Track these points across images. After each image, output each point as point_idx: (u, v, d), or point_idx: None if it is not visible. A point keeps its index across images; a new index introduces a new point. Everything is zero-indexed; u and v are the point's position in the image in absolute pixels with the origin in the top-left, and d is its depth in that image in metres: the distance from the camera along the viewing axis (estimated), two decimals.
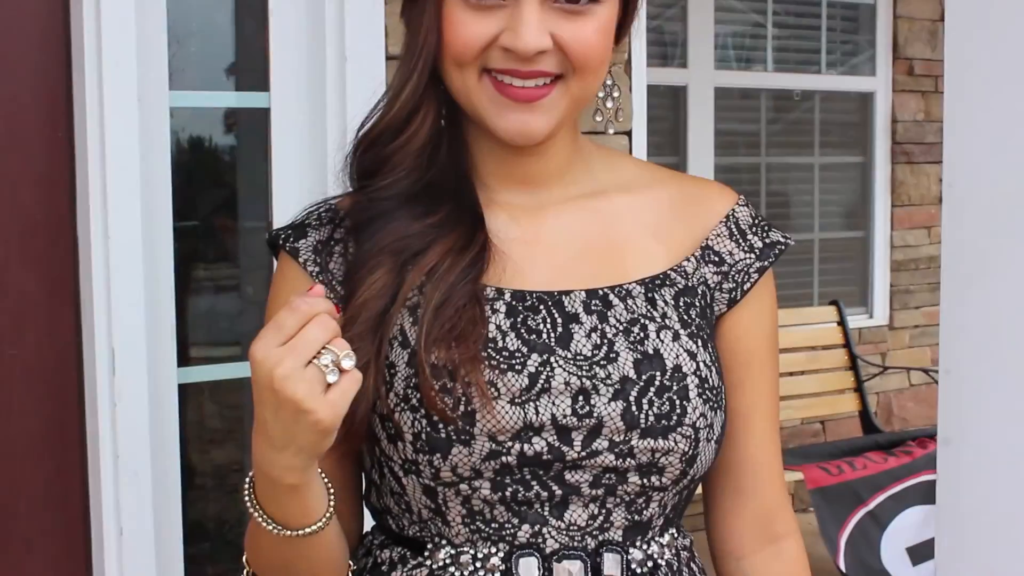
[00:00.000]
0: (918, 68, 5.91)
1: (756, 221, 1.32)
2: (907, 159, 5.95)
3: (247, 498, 1.13)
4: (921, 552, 4.61)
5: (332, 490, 1.15)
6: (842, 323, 5.35)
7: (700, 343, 1.22)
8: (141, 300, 2.22)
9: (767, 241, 1.31)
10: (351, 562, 1.24)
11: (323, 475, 1.13)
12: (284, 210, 2.39)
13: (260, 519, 1.12)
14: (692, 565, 1.28)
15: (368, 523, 1.32)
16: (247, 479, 1.13)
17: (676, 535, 1.26)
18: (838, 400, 5.36)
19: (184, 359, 2.38)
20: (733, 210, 1.31)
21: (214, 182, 2.81)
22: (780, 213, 5.78)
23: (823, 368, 5.31)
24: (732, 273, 1.28)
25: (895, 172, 5.95)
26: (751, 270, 1.29)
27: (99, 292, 2.18)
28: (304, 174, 2.45)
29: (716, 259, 1.28)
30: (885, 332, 5.93)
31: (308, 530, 1.12)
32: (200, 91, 2.58)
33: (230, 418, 2.78)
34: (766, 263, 1.30)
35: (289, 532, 1.12)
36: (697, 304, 1.25)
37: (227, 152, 2.80)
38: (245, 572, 1.26)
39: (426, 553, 1.20)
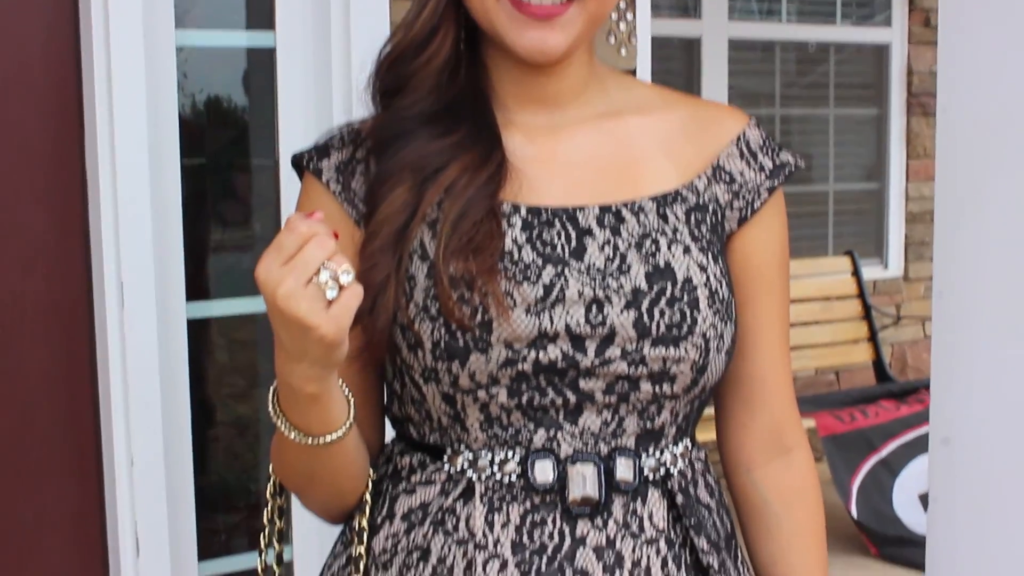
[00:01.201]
0: (934, 19, 5.87)
1: (767, 142, 1.34)
2: (923, 111, 5.92)
3: (271, 407, 1.17)
4: None
5: (352, 400, 1.18)
6: (856, 274, 5.35)
7: (710, 257, 1.25)
8: (149, 234, 2.25)
9: (777, 161, 1.33)
10: (371, 471, 1.28)
11: (344, 386, 1.17)
12: (290, 147, 2.41)
13: (283, 427, 1.16)
14: (707, 476, 1.31)
15: (389, 434, 1.36)
16: (272, 389, 1.17)
17: (690, 447, 1.29)
18: (852, 350, 5.37)
19: (193, 294, 2.42)
20: (744, 131, 1.33)
21: (221, 121, 2.83)
22: None
23: (837, 318, 5.31)
24: (743, 192, 1.30)
25: (910, 124, 5.93)
26: (761, 189, 1.31)
27: (107, 226, 2.22)
28: (310, 111, 2.48)
29: (727, 178, 1.30)
30: (900, 284, 5.92)
31: (329, 438, 1.16)
32: (206, 30, 2.61)
33: (239, 354, 2.82)
34: (776, 182, 1.32)
35: (310, 440, 1.16)
36: (708, 221, 1.27)
37: (234, 91, 2.83)
38: (272, 481, 1.31)
39: (445, 458, 1.23)
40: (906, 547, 4.49)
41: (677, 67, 5.38)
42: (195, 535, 2.41)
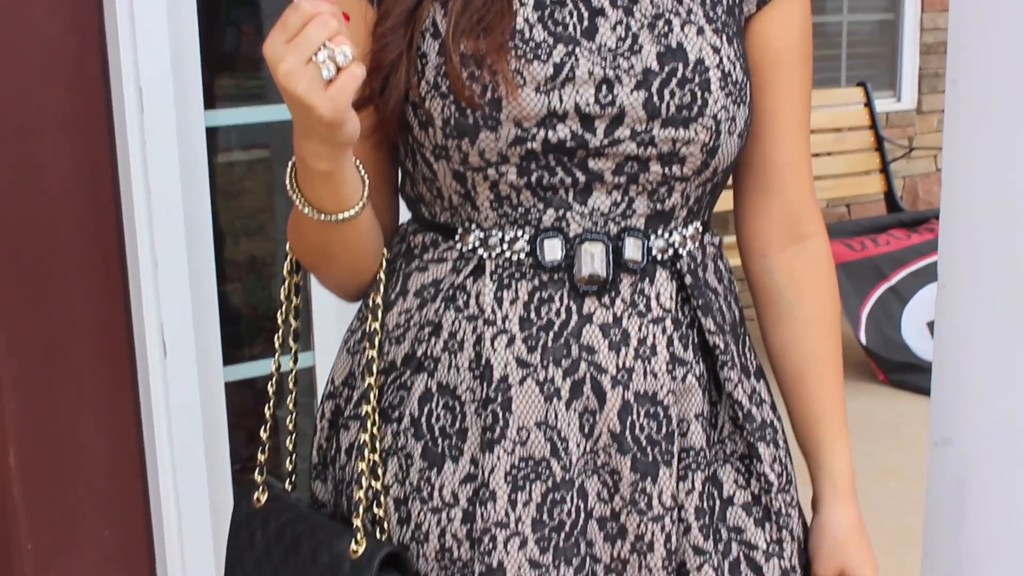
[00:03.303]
0: None
1: None
2: None
3: (288, 183, 1.20)
4: None
5: (367, 181, 1.21)
6: (869, 104, 5.33)
7: (724, 39, 1.24)
8: (166, 40, 2.26)
9: None
10: (385, 251, 1.32)
11: (360, 166, 1.20)
12: None
13: (299, 203, 1.19)
14: (718, 262, 1.32)
15: (404, 217, 1.39)
16: (290, 163, 1.20)
17: (701, 230, 1.30)
18: (864, 181, 5.38)
19: (210, 103, 2.43)
20: None
21: None
22: None
23: (849, 150, 5.31)
24: None
25: None
26: None
27: (124, 32, 2.22)
28: None
29: None
30: (912, 116, 5.90)
31: (342, 215, 1.19)
32: None
33: (257, 162, 2.84)
34: None
35: (324, 216, 1.19)
36: (724, 3, 1.27)
37: None
38: (288, 259, 1.35)
39: (456, 237, 1.26)
40: (913, 373, 4.57)
41: None
42: (219, 338, 2.46)
